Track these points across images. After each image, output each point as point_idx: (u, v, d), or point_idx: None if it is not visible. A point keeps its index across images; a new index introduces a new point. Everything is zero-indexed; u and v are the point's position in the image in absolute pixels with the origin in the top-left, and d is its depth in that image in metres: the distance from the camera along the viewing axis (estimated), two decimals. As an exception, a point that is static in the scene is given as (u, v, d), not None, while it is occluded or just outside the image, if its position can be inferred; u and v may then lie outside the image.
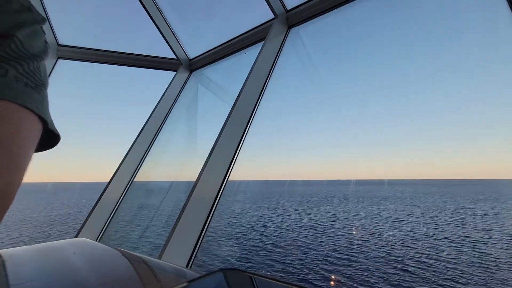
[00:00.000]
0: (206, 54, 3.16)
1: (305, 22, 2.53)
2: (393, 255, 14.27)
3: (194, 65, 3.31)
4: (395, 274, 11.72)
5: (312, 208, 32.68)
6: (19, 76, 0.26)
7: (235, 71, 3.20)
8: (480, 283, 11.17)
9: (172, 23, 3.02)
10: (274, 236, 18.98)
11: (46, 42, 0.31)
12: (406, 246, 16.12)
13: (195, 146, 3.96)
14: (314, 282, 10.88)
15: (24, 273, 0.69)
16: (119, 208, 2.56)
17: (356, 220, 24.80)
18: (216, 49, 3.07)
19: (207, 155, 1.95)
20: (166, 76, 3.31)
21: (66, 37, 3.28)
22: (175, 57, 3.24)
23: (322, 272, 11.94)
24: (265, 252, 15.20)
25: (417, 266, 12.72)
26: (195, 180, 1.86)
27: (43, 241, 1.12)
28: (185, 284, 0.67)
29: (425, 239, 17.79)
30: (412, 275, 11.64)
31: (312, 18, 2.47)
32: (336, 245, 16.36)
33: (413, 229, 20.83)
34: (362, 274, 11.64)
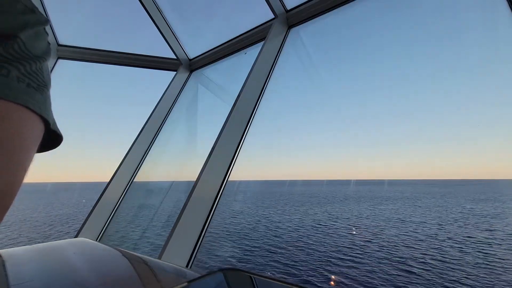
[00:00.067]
0: (206, 54, 3.16)
1: (305, 22, 2.53)
2: (397, 256, 14.19)
3: (194, 65, 3.31)
4: (399, 275, 11.63)
5: (313, 208, 32.65)
6: (21, 77, 0.26)
7: (235, 71, 3.20)
8: (487, 285, 11.07)
9: (172, 23, 3.02)
10: (276, 236, 18.93)
11: (49, 43, 0.31)
12: (410, 247, 16.04)
13: (195, 146, 3.96)
14: (319, 284, 10.78)
15: (24, 273, 0.69)
16: (119, 208, 2.57)
17: (358, 221, 24.75)
18: (216, 49, 3.07)
19: (207, 155, 1.95)
20: (166, 76, 3.31)
21: (66, 37, 3.28)
22: (175, 57, 3.24)
23: (326, 273, 11.85)
24: (267, 253, 15.14)
25: (421, 267, 12.63)
26: (195, 180, 1.86)
27: (43, 241, 1.12)
28: (185, 284, 0.67)
29: (428, 239, 17.71)
30: (417, 277, 11.55)
31: (312, 18, 2.47)
32: (339, 245, 16.28)
33: (416, 229, 20.75)
34: (366, 276, 11.55)
